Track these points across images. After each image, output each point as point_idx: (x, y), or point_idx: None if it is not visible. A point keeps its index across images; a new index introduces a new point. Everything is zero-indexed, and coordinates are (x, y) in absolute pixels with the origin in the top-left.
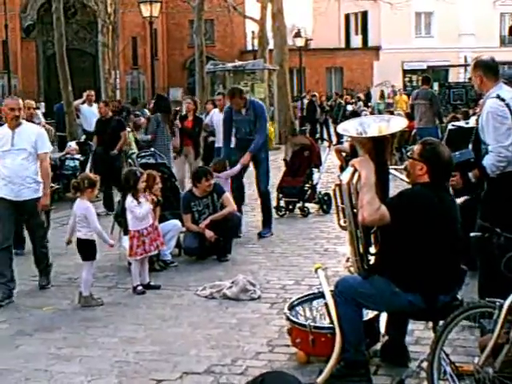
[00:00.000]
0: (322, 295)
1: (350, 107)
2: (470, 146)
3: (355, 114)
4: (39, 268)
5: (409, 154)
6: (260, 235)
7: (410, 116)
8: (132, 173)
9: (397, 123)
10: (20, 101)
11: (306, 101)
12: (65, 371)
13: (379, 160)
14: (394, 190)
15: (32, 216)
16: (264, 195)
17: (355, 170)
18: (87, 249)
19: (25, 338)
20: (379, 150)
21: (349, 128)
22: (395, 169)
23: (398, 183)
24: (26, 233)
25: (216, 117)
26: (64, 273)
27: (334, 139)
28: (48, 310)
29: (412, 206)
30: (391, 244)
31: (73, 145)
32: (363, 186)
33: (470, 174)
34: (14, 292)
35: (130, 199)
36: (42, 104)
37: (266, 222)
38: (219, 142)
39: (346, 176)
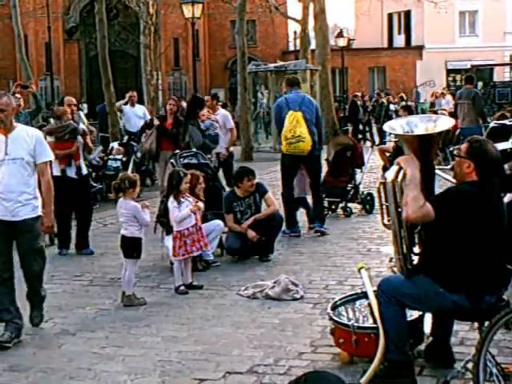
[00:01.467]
0: (364, 295)
1: (392, 107)
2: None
3: (408, 108)
4: (32, 300)
5: (455, 152)
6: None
7: (453, 115)
8: (176, 173)
9: (444, 123)
10: (12, 99)
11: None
12: (108, 370)
13: (425, 159)
14: (438, 191)
15: (29, 240)
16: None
17: (400, 168)
18: (132, 247)
19: (68, 338)
20: (425, 148)
21: (395, 126)
22: (441, 169)
23: (442, 183)
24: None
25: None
26: (107, 273)
27: (377, 139)
28: (91, 310)
29: (457, 204)
30: (435, 243)
31: (116, 145)
32: (408, 183)
33: (506, 166)
34: (59, 291)
35: (171, 200)
36: (85, 105)
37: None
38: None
39: (390, 174)
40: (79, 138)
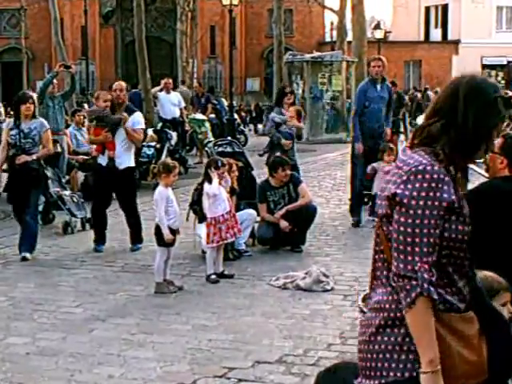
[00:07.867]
0: None
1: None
2: None
3: None
4: None
5: None
6: None
7: None
8: (213, 161)
9: None
10: None
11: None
12: (137, 357)
13: None
14: (472, 185)
15: None
16: None
17: None
18: (160, 235)
19: (98, 323)
20: None
21: None
22: (474, 163)
23: (475, 179)
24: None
25: None
26: (139, 259)
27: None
28: (122, 296)
29: (490, 200)
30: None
31: (150, 132)
32: None
33: None
34: (90, 277)
35: (205, 184)
36: None
37: None
38: None
39: None
40: (121, 128)
